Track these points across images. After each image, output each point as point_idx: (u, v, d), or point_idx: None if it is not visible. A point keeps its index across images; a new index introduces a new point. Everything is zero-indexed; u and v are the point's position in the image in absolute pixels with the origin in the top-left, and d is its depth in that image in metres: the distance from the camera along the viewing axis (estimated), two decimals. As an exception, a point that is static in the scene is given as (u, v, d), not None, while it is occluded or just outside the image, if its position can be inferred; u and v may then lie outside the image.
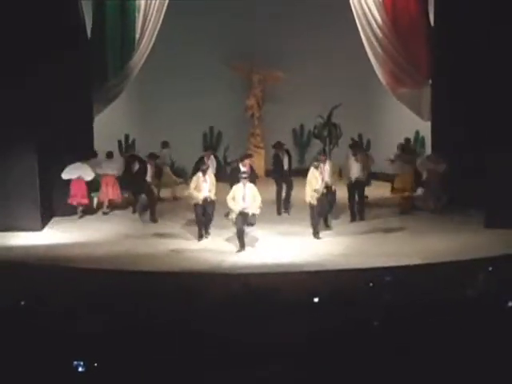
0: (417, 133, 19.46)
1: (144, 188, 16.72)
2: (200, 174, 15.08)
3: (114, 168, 17.33)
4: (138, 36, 18.44)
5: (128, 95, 19.21)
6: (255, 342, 7.88)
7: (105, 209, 17.14)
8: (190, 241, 14.90)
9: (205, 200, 14.89)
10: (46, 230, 15.76)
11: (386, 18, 18.10)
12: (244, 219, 14.13)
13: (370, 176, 17.12)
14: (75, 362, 7.65)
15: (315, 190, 14.69)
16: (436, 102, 17.79)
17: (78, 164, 16.67)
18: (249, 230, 14.62)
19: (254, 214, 14.15)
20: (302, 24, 19.81)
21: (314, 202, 14.73)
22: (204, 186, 14.94)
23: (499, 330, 8.18)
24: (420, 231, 15.09)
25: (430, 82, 18.19)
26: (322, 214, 15.09)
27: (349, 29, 18.32)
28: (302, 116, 20.36)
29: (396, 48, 18.24)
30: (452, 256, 13.29)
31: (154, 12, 18.17)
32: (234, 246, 14.41)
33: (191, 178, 15.52)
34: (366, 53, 18.32)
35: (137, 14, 18.44)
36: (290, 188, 16.87)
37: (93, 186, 17.09)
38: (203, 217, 14.98)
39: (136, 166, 17.04)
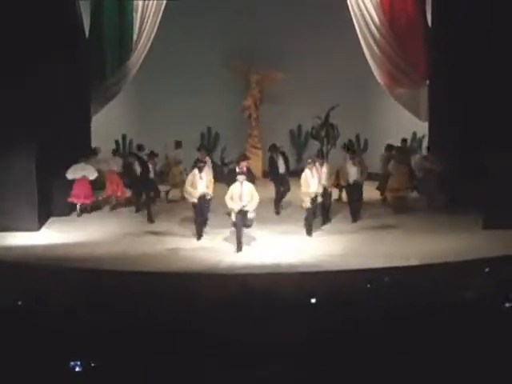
0: (414, 133, 19.49)
1: (151, 187, 16.76)
2: (196, 171, 15.09)
3: (119, 165, 17.58)
4: (135, 36, 18.47)
5: (126, 95, 19.23)
6: (253, 343, 7.87)
7: (112, 204, 17.33)
8: (188, 240, 14.89)
9: (201, 197, 14.88)
10: (43, 230, 15.74)
11: (383, 19, 18.14)
12: (243, 218, 14.15)
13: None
14: (72, 363, 7.64)
15: (306, 194, 14.83)
16: (433, 102, 17.82)
17: (81, 164, 16.88)
18: (247, 231, 14.61)
19: (251, 219, 14.17)
20: (300, 25, 19.83)
21: (307, 206, 14.84)
22: (200, 183, 14.96)
23: (497, 331, 8.18)
24: (418, 232, 15.08)
25: (428, 82, 18.22)
26: (315, 216, 15.20)
27: (347, 29, 18.36)
28: (299, 117, 20.36)
29: (393, 48, 18.27)
30: (450, 257, 13.28)
31: (152, 12, 18.21)
32: (231, 246, 14.39)
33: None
34: (363, 53, 18.34)
35: (135, 14, 18.48)
36: (286, 190, 16.88)
37: (96, 185, 17.26)
38: (200, 216, 15.00)
39: (136, 165, 17.04)
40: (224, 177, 17.86)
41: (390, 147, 17.84)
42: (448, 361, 7.64)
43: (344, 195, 17.02)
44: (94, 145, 18.35)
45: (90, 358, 7.67)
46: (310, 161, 15.39)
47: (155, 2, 18.14)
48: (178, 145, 18.42)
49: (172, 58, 19.85)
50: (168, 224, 16.09)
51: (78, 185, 16.76)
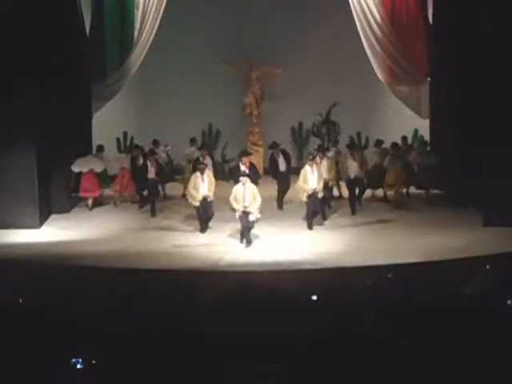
0: (415, 131, 19.48)
1: (146, 185, 16.75)
2: (198, 173, 15.12)
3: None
4: (136, 33, 18.47)
5: (127, 92, 19.23)
6: (254, 340, 7.88)
7: (116, 201, 17.39)
8: (190, 237, 14.91)
9: (203, 199, 14.91)
10: (45, 227, 15.73)
11: (384, 16, 18.15)
12: (247, 217, 14.20)
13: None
14: (73, 360, 7.65)
15: (303, 189, 15.01)
16: (435, 100, 17.81)
17: (87, 157, 17.03)
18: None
19: (253, 221, 14.24)
20: (301, 22, 19.79)
21: (303, 199, 15.07)
22: (202, 186, 14.98)
23: (498, 329, 8.18)
24: (418, 229, 15.08)
25: (429, 79, 18.22)
26: (314, 213, 15.26)
27: (348, 27, 18.36)
28: (300, 114, 20.34)
29: (395, 46, 18.27)
30: (451, 254, 13.29)
31: (153, 9, 18.21)
32: (233, 243, 14.43)
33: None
34: (365, 51, 18.34)
35: (136, 12, 18.47)
36: (286, 187, 16.90)
37: (101, 178, 17.35)
38: (204, 215, 15.08)
39: (140, 161, 17.10)
40: (226, 175, 17.93)
41: (379, 142, 17.91)
42: (449, 358, 7.65)
43: (344, 192, 17.05)
44: (94, 142, 18.35)
45: (90, 355, 7.68)
46: (310, 157, 15.48)
47: (156, -1, 18.16)
48: (193, 142, 18.28)
49: (173, 55, 19.82)
50: (170, 221, 16.08)
51: (86, 179, 16.90)
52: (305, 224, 15.33)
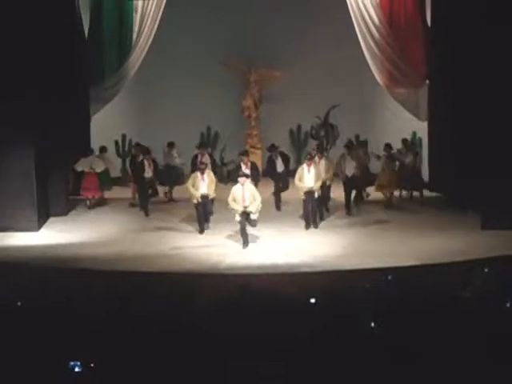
0: (414, 133, 19.48)
1: (143, 184, 16.79)
2: (198, 173, 15.18)
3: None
4: (135, 36, 18.48)
5: (125, 95, 19.22)
6: (254, 343, 7.88)
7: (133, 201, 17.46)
8: (189, 240, 14.91)
9: (203, 197, 14.94)
10: (43, 230, 15.73)
11: (383, 19, 18.16)
12: (246, 218, 14.25)
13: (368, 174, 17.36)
14: (72, 363, 7.64)
15: (299, 187, 15.25)
16: (433, 102, 17.81)
17: (90, 157, 17.28)
18: (248, 230, 14.61)
19: (254, 220, 14.28)
20: (299, 24, 19.78)
21: (303, 197, 15.19)
22: (201, 185, 15.06)
23: (496, 332, 8.18)
24: (417, 231, 15.08)
25: (427, 82, 18.22)
26: (312, 213, 15.36)
27: (346, 29, 18.36)
28: (299, 117, 20.35)
29: (393, 48, 18.28)
30: (449, 257, 13.29)
31: (152, 12, 18.21)
32: (232, 246, 14.43)
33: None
34: (363, 53, 18.35)
35: (134, 15, 18.48)
36: (284, 187, 16.95)
37: (103, 181, 17.50)
38: (203, 214, 15.16)
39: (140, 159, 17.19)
40: (224, 177, 17.94)
41: (363, 143, 17.99)
42: (448, 361, 7.65)
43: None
44: (93, 144, 18.36)
45: (89, 358, 7.68)
46: (308, 157, 15.58)
47: (155, 1, 18.14)
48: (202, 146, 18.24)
49: (171, 57, 19.81)
50: (169, 223, 16.09)
51: (88, 179, 17.11)
52: (303, 225, 15.36)
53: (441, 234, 14.84)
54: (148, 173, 16.80)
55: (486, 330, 8.18)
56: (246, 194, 14.25)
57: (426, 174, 18.37)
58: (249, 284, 10.47)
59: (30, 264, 13.39)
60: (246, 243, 14.30)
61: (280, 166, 17.16)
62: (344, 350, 7.82)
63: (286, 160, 17.40)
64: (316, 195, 15.33)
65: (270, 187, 16.98)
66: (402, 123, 19.20)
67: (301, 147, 20.74)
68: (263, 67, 19.94)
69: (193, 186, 15.11)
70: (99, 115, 18.74)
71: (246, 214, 14.24)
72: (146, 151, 17.13)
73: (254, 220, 14.31)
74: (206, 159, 16.90)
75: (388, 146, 17.47)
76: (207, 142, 20.38)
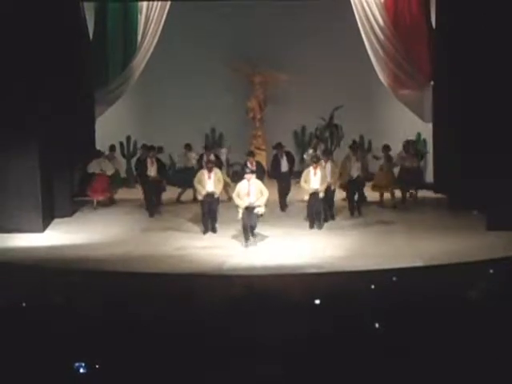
0: (418, 134, 19.47)
1: (146, 183, 16.78)
2: (204, 171, 15.25)
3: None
4: (139, 38, 18.51)
5: (130, 96, 19.25)
6: (256, 343, 7.88)
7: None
8: (193, 241, 14.91)
9: (208, 195, 15.02)
10: (48, 231, 15.74)
11: (387, 20, 18.16)
12: (249, 214, 14.25)
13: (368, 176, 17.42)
14: (76, 364, 7.65)
15: (304, 189, 15.34)
16: (437, 103, 17.80)
17: (101, 159, 17.42)
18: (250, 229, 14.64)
19: (259, 214, 14.29)
20: (303, 26, 19.77)
21: (306, 198, 15.34)
22: (208, 183, 15.16)
23: (501, 333, 8.17)
24: (421, 233, 15.07)
25: (432, 83, 18.21)
26: (316, 213, 15.39)
27: (351, 31, 18.36)
28: (303, 118, 20.36)
29: (398, 50, 18.28)
30: (454, 258, 13.27)
31: (156, 14, 18.24)
32: (235, 247, 14.44)
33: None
34: (367, 54, 18.35)
35: (139, 16, 18.51)
36: (287, 189, 16.96)
37: (116, 181, 17.73)
38: (209, 213, 15.21)
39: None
40: (231, 177, 17.98)
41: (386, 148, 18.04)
42: (452, 362, 7.65)
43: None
44: (98, 146, 18.40)
45: (93, 359, 7.68)
46: (315, 159, 15.63)
47: (159, 3, 18.17)
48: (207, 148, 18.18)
49: (176, 59, 19.85)
50: (173, 224, 16.10)
51: (98, 180, 17.19)
52: (307, 227, 15.41)
53: (446, 235, 14.82)
54: (151, 171, 16.77)
55: (491, 331, 8.17)
56: (251, 190, 14.28)
57: (430, 175, 18.40)
58: (252, 285, 10.47)
59: (35, 265, 13.40)
60: (247, 240, 14.32)
61: (285, 166, 17.19)
62: (348, 351, 7.82)
63: (291, 160, 17.43)
64: (321, 195, 15.34)
65: (274, 188, 16.98)
66: (406, 124, 19.19)
67: (305, 149, 20.73)
68: (267, 70, 19.95)
69: (199, 182, 15.26)
70: (104, 117, 18.77)
71: (249, 210, 14.24)
72: (149, 149, 17.13)
73: (259, 215, 14.31)
74: (213, 159, 16.91)
75: (386, 147, 17.51)
76: (212, 143, 20.40)
